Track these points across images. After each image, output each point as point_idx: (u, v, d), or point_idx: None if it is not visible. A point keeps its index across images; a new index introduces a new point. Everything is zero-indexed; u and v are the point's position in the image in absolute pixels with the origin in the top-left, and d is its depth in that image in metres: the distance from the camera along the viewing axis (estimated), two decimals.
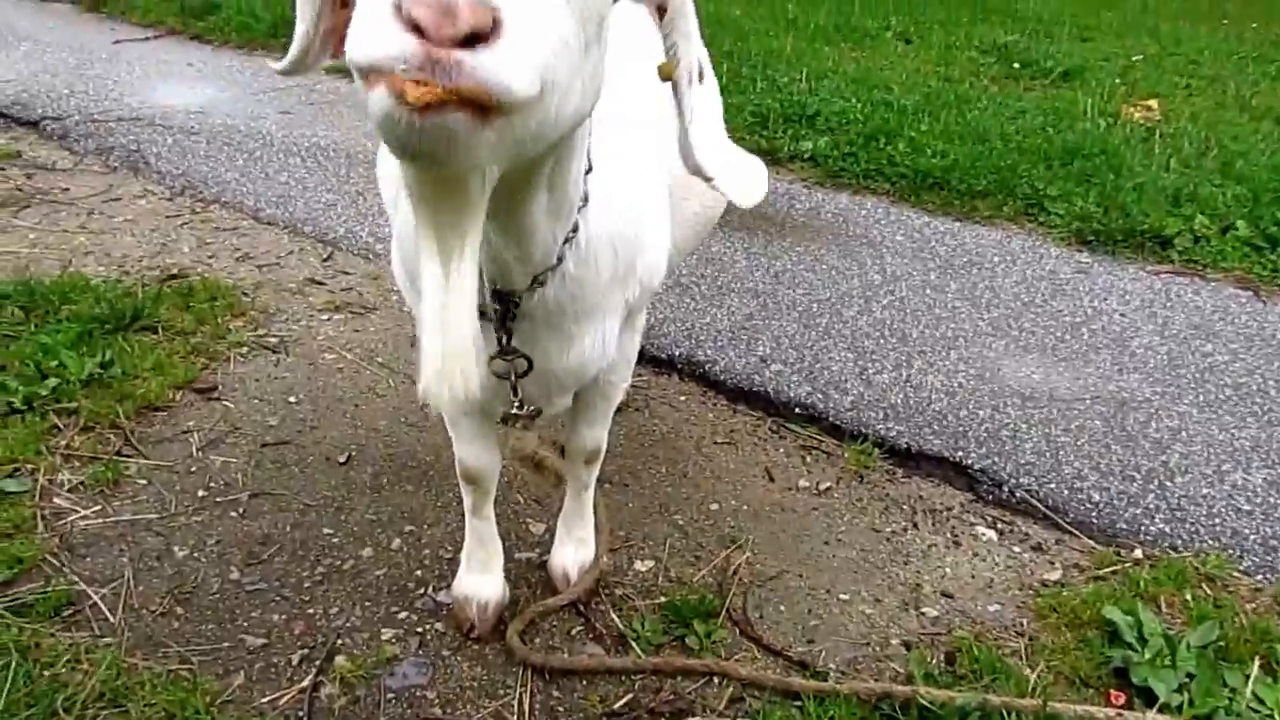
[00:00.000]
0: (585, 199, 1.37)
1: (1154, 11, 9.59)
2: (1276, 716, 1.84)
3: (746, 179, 1.41)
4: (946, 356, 3.19)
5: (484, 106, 0.82)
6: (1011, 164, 4.74)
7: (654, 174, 1.63)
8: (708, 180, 1.38)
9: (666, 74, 1.28)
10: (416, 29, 0.77)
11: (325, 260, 3.73)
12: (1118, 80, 6.64)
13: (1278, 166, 4.64)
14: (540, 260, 1.36)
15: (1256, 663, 1.95)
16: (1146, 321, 3.48)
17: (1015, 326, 3.41)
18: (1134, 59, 7.37)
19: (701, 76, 1.32)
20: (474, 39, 0.79)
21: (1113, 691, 1.92)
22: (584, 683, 1.95)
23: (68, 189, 4.29)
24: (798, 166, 4.97)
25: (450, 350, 1.08)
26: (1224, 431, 2.82)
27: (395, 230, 1.58)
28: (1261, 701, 1.86)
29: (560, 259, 1.38)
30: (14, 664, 1.80)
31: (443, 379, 1.08)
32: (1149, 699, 1.89)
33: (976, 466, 2.65)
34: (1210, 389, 3.05)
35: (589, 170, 1.38)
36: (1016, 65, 6.96)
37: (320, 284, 3.54)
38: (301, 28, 1.30)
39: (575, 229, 1.37)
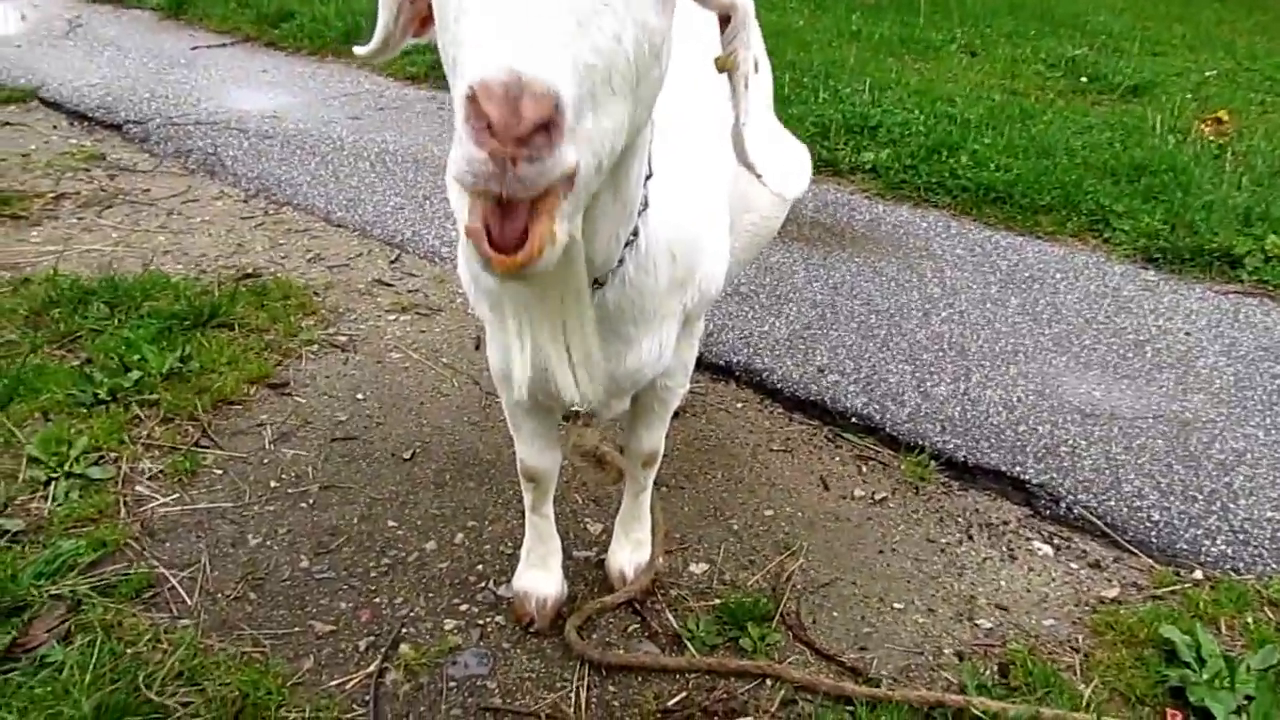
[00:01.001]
0: (645, 203, 1.42)
1: (1229, 26, 9.40)
2: None
3: (791, 169, 1.44)
4: (1006, 371, 3.18)
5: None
6: (1076, 179, 4.69)
7: (714, 183, 1.67)
8: (756, 175, 1.42)
9: (723, 66, 1.32)
10: (490, 130, 0.87)
11: (393, 262, 3.83)
12: (1189, 96, 6.53)
13: None
14: (602, 262, 1.40)
15: None
16: (1213, 341, 3.43)
17: (1077, 343, 3.38)
18: (1207, 74, 7.23)
19: (757, 67, 1.36)
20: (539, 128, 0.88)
21: (1169, 711, 1.91)
22: (639, 680, 1.99)
23: (148, 190, 4.45)
24: (859, 178, 4.98)
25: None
26: None
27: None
28: None
29: (621, 261, 1.42)
30: (99, 640, 1.90)
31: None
32: None
33: (1034, 482, 2.64)
34: (1279, 411, 3.00)
35: (649, 176, 1.42)
36: (1084, 80, 6.88)
37: (388, 285, 3.63)
38: (384, 17, 1.40)
39: (635, 233, 1.42)
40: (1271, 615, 2.19)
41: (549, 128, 0.88)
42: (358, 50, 1.49)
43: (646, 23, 1.04)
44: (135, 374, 2.77)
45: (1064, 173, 4.78)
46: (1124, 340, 3.42)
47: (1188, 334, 3.47)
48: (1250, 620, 2.16)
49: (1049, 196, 4.56)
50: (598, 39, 0.97)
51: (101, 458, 2.49)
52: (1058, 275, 3.93)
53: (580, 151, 0.95)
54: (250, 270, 3.65)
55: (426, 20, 1.40)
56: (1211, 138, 5.44)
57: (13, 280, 3.35)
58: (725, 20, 1.33)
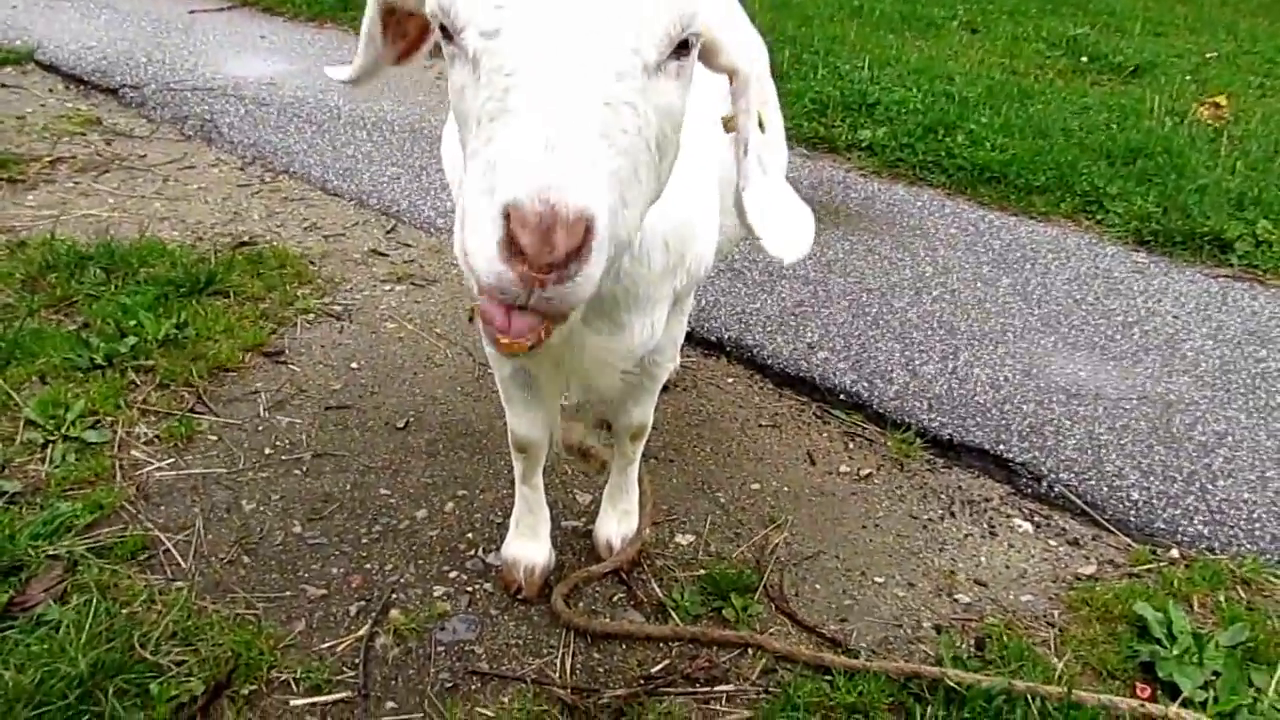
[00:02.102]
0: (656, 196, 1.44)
1: (1231, 7, 9.37)
2: None
3: (793, 232, 1.45)
4: (994, 350, 3.21)
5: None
6: (1071, 160, 4.71)
7: (705, 168, 1.68)
8: (757, 239, 1.43)
9: (729, 126, 1.35)
10: (519, 250, 0.90)
11: (389, 232, 3.85)
12: (1188, 77, 6.53)
13: None
14: (622, 255, 1.43)
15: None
16: (1200, 325, 3.47)
17: (1065, 324, 3.42)
18: (1208, 56, 7.22)
19: (763, 127, 1.37)
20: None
21: (1139, 684, 1.96)
22: (623, 647, 2.04)
23: (145, 155, 4.45)
24: (855, 156, 4.99)
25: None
26: (1272, 438, 2.81)
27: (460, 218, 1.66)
28: None
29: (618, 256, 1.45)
30: (95, 600, 1.94)
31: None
32: (1174, 694, 1.93)
33: (1017, 460, 2.69)
34: (1261, 395, 3.04)
35: None
36: (1085, 59, 6.88)
37: (383, 255, 3.65)
38: (359, 61, 1.50)
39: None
40: (1243, 594, 2.24)
41: (581, 250, 0.92)
42: (330, 72, 1.53)
43: (665, 107, 1.08)
44: (131, 340, 2.79)
45: (1060, 153, 4.79)
46: (1112, 322, 3.45)
47: (1175, 317, 3.51)
48: (1222, 599, 2.20)
49: (1044, 177, 4.58)
50: (622, 142, 1.01)
51: (98, 422, 2.52)
52: (1049, 256, 3.96)
53: (594, 283, 0.97)
54: (246, 238, 3.67)
55: (406, 55, 1.45)
56: (1209, 121, 5.45)
57: (9, 244, 3.37)
58: (732, 77, 1.35)
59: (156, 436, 2.51)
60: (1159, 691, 1.94)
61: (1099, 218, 4.34)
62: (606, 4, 1.02)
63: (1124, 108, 5.66)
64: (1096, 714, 1.82)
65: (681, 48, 1.10)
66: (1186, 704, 1.88)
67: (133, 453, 2.45)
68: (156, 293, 3.05)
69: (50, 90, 5.29)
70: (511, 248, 0.91)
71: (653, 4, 1.05)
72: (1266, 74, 6.86)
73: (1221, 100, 5.70)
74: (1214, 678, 1.94)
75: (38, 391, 2.57)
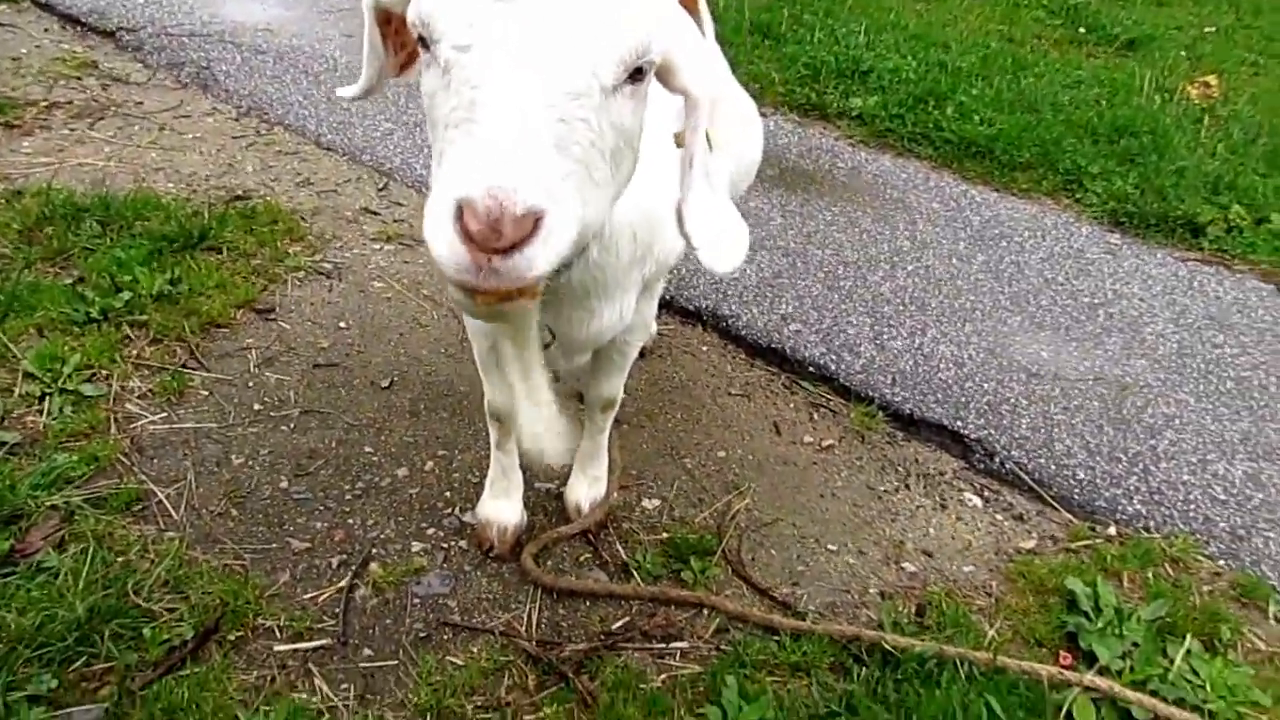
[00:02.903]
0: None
1: None
2: (1208, 689, 2.02)
3: (728, 246, 1.54)
4: (961, 328, 3.33)
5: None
6: (1057, 137, 4.78)
7: (672, 159, 1.77)
8: (693, 248, 1.52)
9: (679, 142, 1.45)
10: (470, 238, 1.03)
11: (381, 190, 3.93)
12: (1184, 53, 6.56)
13: None
14: (588, 241, 1.53)
15: (1195, 639, 2.12)
16: (1165, 308, 3.58)
17: (1034, 303, 3.53)
18: (1205, 30, 7.23)
19: (710, 146, 1.48)
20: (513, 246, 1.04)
21: (1063, 653, 2.11)
22: (587, 604, 2.18)
23: (141, 102, 4.50)
24: (845, 124, 5.05)
25: (543, 416, 1.48)
26: (1217, 422, 2.95)
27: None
28: (1197, 674, 2.04)
29: (585, 247, 1.55)
30: (91, 549, 2.07)
31: (540, 440, 1.49)
32: (1094, 663, 2.08)
33: (973, 436, 2.82)
34: (1213, 380, 3.17)
35: None
36: (1082, 30, 6.89)
37: (374, 214, 3.74)
38: (366, 73, 1.62)
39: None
40: (1171, 571, 2.39)
41: (530, 238, 1.04)
42: (341, 92, 1.64)
43: (619, 125, 1.20)
44: (126, 294, 2.89)
45: (1046, 129, 4.86)
46: (1079, 303, 3.56)
47: (1141, 299, 3.62)
48: (1151, 575, 2.35)
49: (1028, 153, 4.66)
50: (576, 152, 1.13)
51: (93, 375, 2.63)
52: (1026, 234, 4.05)
53: (548, 262, 1.08)
54: (240, 192, 3.74)
55: (408, 65, 1.55)
56: (1197, 101, 5.50)
57: (5, 192, 3.45)
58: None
59: (150, 390, 2.63)
60: (1080, 661, 2.09)
61: (1078, 196, 4.43)
62: (570, 31, 1.12)
63: (1115, 83, 5.70)
64: (1018, 679, 1.97)
65: (638, 72, 1.21)
66: (1102, 672, 2.03)
67: (127, 406, 2.56)
68: (151, 247, 3.14)
69: (46, 30, 5.29)
70: (464, 234, 1.04)
71: (612, 34, 1.15)
72: (1262, 51, 6.89)
73: (1212, 80, 5.75)
74: (1132, 649, 2.09)
75: (35, 344, 2.68)
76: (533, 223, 1.04)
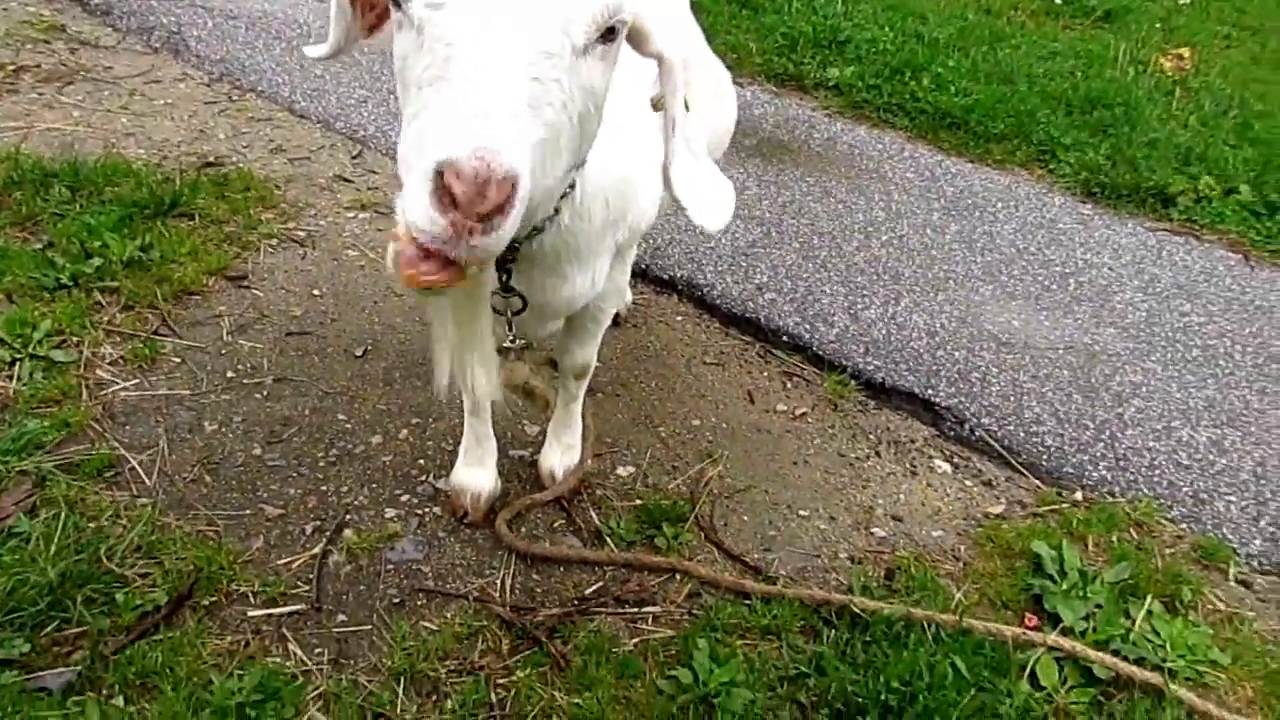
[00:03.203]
0: (583, 161, 1.54)
1: None
2: (1168, 649, 2.07)
3: (716, 203, 1.56)
4: (934, 298, 3.35)
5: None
6: (1031, 108, 4.80)
7: (645, 126, 1.78)
8: (681, 208, 1.54)
9: (656, 106, 1.45)
10: (452, 200, 1.01)
11: (354, 158, 3.90)
12: (1158, 25, 6.59)
13: None
14: (539, 218, 1.54)
15: (1157, 600, 2.17)
16: (1134, 277, 3.62)
17: (1005, 273, 3.56)
18: (1180, 3, 7.26)
19: (688, 107, 1.48)
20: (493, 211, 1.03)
21: (1028, 615, 2.15)
22: (560, 570, 2.20)
23: (110, 67, 4.43)
24: (822, 95, 5.04)
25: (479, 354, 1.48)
26: (1182, 390, 2.99)
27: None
28: (1158, 634, 2.09)
29: (557, 210, 1.56)
30: (63, 515, 2.06)
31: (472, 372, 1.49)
32: (1059, 625, 2.12)
33: (944, 404, 2.85)
34: (1180, 348, 3.21)
35: None
36: (1058, 2, 6.89)
37: (348, 182, 3.71)
38: (333, 34, 1.61)
39: (572, 185, 1.54)
40: (1135, 535, 2.43)
41: (505, 205, 1.04)
42: (309, 51, 1.63)
43: (589, 87, 1.20)
44: (96, 260, 2.86)
45: (1021, 101, 4.88)
46: (1050, 272, 3.60)
47: (1111, 269, 3.66)
48: (1115, 539, 2.40)
49: (1003, 125, 4.68)
50: (548, 114, 1.13)
51: (64, 341, 2.61)
52: (999, 204, 4.08)
53: (511, 233, 1.09)
54: (212, 159, 3.70)
55: (377, 26, 1.54)
56: (1169, 73, 5.53)
57: None
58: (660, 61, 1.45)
59: (121, 357, 2.61)
60: (1044, 622, 2.13)
61: (1051, 167, 4.46)
62: None
63: (1090, 55, 5.72)
64: (983, 640, 2.01)
65: (609, 33, 1.21)
66: (1066, 633, 2.08)
67: (98, 372, 2.55)
68: (121, 213, 3.10)
69: None
70: (444, 200, 1.02)
71: None
72: (1234, 24, 6.94)
73: (1184, 52, 5.78)
74: (1095, 610, 2.13)
75: (4, 310, 2.65)
76: (510, 188, 1.03)
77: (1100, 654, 2.01)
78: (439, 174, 1.02)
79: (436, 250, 1.08)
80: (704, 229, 1.53)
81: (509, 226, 1.07)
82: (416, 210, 1.05)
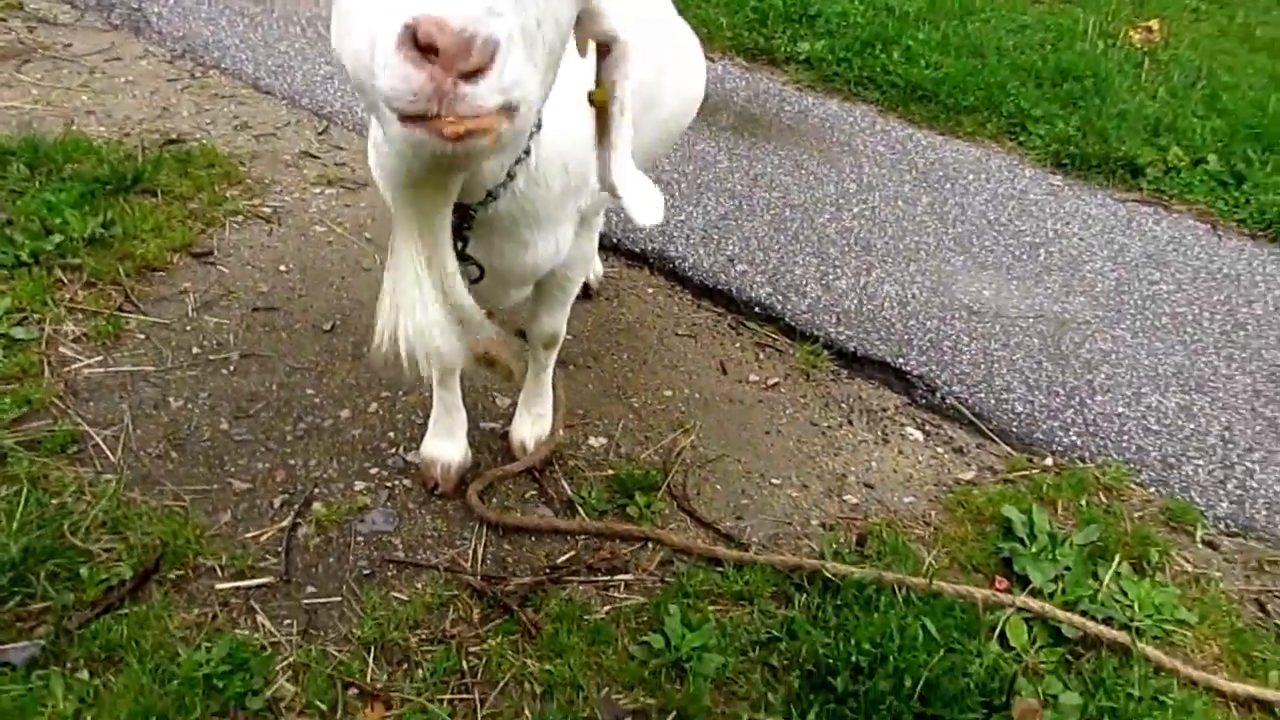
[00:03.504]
0: (539, 125, 1.52)
1: None
2: (1136, 609, 2.09)
3: (651, 199, 1.54)
4: (905, 268, 3.36)
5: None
6: (1001, 81, 4.81)
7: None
8: (617, 199, 1.51)
9: (596, 100, 1.42)
10: (431, 53, 0.95)
11: (320, 134, 3.85)
12: None
13: (1261, 102, 4.72)
14: (489, 180, 1.51)
15: (1125, 562, 2.19)
16: (1103, 247, 3.64)
17: (976, 243, 3.57)
18: None
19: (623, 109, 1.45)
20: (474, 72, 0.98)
21: (998, 578, 2.17)
22: (532, 539, 2.19)
23: (70, 45, 4.35)
24: (792, 69, 5.03)
25: (419, 328, 1.39)
26: (1151, 357, 3.02)
27: (373, 136, 1.71)
28: (1126, 594, 2.11)
29: (511, 176, 1.53)
30: (26, 491, 2.03)
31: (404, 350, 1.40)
32: (1028, 587, 2.14)
33: (915, 373, 2.86)
34: (1149, 316, 3.24)
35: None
36: None
37: (314, 158, 3.67)
38: None
39: (527, 151, 1.52)
40: (1104, 499, 2.45)
41: (486, 70, 0.98)
42: None
43: (556, 18, 1.17)
44: (57, 237, 2.81)
45: (991, 73, 4.88)
46: (1021, 243, 3.61)
47: (1081, 239, 3.68)
48: (1084, 503, 2.41)
49: (973, 97, 4.68)
50: (527, 20, 1.08)
51: (25, 319, 2.56)
52: (970, 176, 4.09)
53: (501, 96, 1.02)
54: (175, 136, 3.64)
55: None
56: (1139, 45, 5.55)
57: None
58: (605, 51, 1.41)
59: (84, 334, 2.57)
60: (1014, 585, 2.15)
61: (1021, 139, 4.47)
62: None
63: (1060, 28, 5.73)
64: (953, 602, 2.02)
65: None
66: (1035, 594, 2.09)
67: (61, 350, 2.51)
68: (82, 190, 3.05)
69: None
70: (420, 54, 0.96)
71: None
72: None
73: (1154, 25, 5.80)
74: (1065, 572, 2.15)
75: None
76: (490, 54, 0.98)
77: (1069, 614, 2.03)
78: (412, 30, 0.96)
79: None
80: (640, 223, 1.52)
81: (498, 86, 1.00)
82: (389, 73, 0.99)
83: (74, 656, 1.75)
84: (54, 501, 2.04)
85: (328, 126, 3.91)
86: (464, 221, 1.57)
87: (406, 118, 1.02)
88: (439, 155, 1.05)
